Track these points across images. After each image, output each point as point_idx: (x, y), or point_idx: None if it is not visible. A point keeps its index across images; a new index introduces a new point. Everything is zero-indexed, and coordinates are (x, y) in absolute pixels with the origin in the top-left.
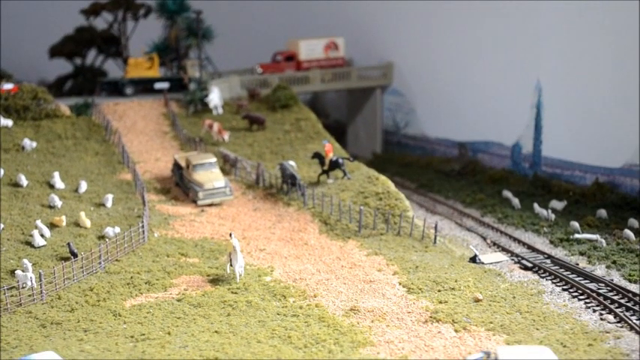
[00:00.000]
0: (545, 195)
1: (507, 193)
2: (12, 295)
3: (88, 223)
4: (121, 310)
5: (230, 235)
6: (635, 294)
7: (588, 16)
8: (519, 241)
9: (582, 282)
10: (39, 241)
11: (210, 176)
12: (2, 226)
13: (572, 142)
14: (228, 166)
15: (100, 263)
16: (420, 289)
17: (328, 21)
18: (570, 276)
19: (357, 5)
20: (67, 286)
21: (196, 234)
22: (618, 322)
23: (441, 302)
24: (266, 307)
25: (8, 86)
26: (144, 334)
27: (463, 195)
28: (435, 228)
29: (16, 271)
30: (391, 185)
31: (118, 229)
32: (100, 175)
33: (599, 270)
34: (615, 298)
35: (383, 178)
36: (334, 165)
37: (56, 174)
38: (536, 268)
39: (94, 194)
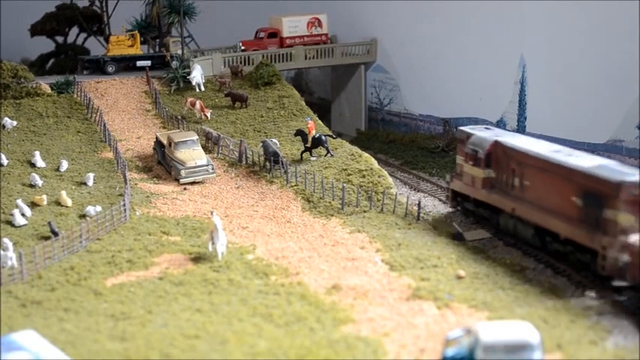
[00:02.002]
0: None
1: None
2: None
3: (69, 201)
4: (101, 289)
5: (211, 213)
6: None
7: None
8: None
9: None
10: (20, 220)
11: (192, 154)
12: None
13: (556, 118)
14: (210, 143)
15: (81, 242)
16: (403, 266)
17: None
18: None
19: None
20: (47, 265)
21: (178, 212)
22: None
23: (423, 279)
24: (248, 285)
25: None
26: (125, 313)
27: (448, 172)
28: (419, 205)
29: None
30: (374, 162)
31: (99, 208)
32: (82, 154)
33: None
34: None
35: (366, 155)
36: (317, 142)
37: (37, 153)
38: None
39: (75, 173)
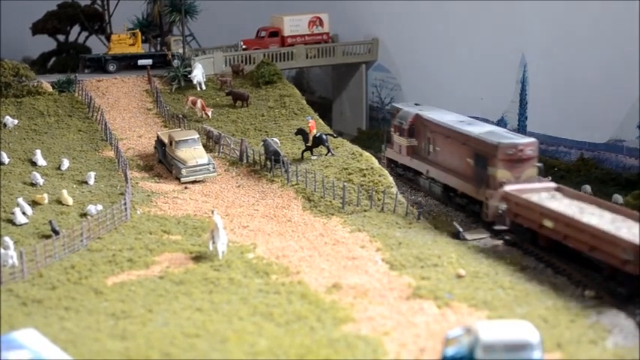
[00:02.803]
0: None
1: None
2: None
3: (70, 200)
4: (102, 287)
5: (212, 212)
6: None
7: None
8: None
9: None
10: (20, 218)
11: (193, 153)
12: None
13: (557, 117)
14: (211, 142)
15: (81, 241)
16: (403, 265)
17: None
18: None
19: None
20: (48, 263)
21: (179, 211)
22: None
23: (423, 279)
24: (248, 284)
25: None
26: (125, 312)
27: None
28: (419, 204)
29: None
30: (375, 161)
31: (100, 207)
32: (83, 153)
33: None
34: None
35: (367, 154)
36: (318, 141)
37: (38, 151)
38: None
39: (76, 171)
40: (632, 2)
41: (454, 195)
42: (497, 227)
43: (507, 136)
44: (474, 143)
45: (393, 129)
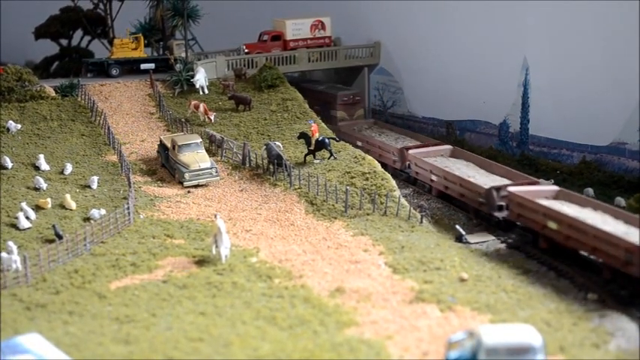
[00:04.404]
0: (532, 174)
1: None
2: None
3: (73, 205)
4: (106, 292)
5: (215, 216)
6: None
7: None
8: None
9: None
10: (24, 223)
11: (196, 157)
12: None
13: (560, 120)
14: (214, 146)
15: (85, 245)
16: (406, 269)
17: (315, 0)
18: None
19: None
20: (52, 268)
21: (182, 215)
22: None
23: (426, 282)
24: (251, 288)
25: None
26: (129, 316)
27: None
28: (422, 208)
29: (0, 254)
30: (377, 165)
31: (103, 211)
32: (86, 157)
33: None
34: None
35: (369, 157)
36: (320, 145)
37: (41, 156)
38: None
39: (79, 176)
40: (635, 5)
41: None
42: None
43: (343, 88)
44: (323, 96)
45: None
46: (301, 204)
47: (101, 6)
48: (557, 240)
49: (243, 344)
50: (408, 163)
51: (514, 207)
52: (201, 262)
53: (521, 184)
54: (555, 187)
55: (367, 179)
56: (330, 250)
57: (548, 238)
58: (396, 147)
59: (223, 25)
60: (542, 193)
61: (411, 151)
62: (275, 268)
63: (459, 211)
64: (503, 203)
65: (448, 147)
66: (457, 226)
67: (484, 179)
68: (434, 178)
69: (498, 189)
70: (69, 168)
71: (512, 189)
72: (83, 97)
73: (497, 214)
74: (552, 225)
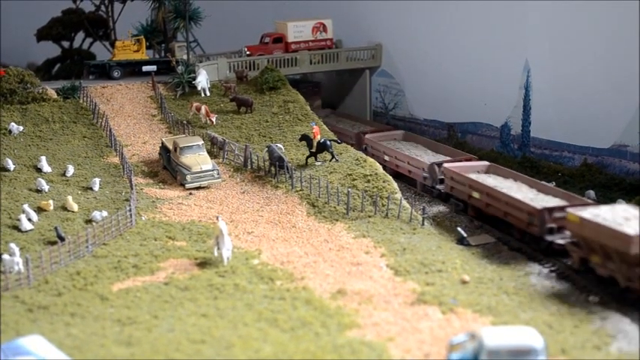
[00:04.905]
0: (534, 176)
1: None
2: None
3: (75, 206)
4: (108, 294)
5: (217, 218)
6: None
7: None
8: None
9: None
10: (26, 225)
11: (197, 159)
12: None
13: (561, 122)
14: (216, 148)
15: (87, 247)
16: (407, 271)
17: (316, 2)
18: None
19: None
20: (54, 270)
21: (184, 217)
22: None
23: (428, 284)
24: (253, 290)
25: None
26: (131, 318)
27: None
28: (423, 210)
29: (2, 256)
30: (379, 167)
31: (105, 213)
32: (88, 159)
33: None
34: None
35: (371, 160)
36: (322, 147)
37: (43, 158)
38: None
39: (81, 178)
40: (635, 9)
41: None
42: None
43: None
44: None
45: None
46: (303, 206)
47: (103, 8)
48: (480, 207)
49: (245, 346)
50: (364, 146)
51: (448, 180)
52: (203, 264)
53: (457, 161)
54: (486, 163)
55: (369, 181)
56: (331, 252)
57: (474, 207)
58: (353, 132)
59: (225, 27)
60: (474, 167)
61: (367, 136)
62: (277, 270)
63: (459, 213)
64: (443, 177)
65: (401, 132)
66: (459, 229)
67: (429, 157)
68: (387, 158)
69: (439, 164)
70: (71, 170)
71: (446, 165)
72: (85, 99)
73: (438, 186)
74: (475, 194)
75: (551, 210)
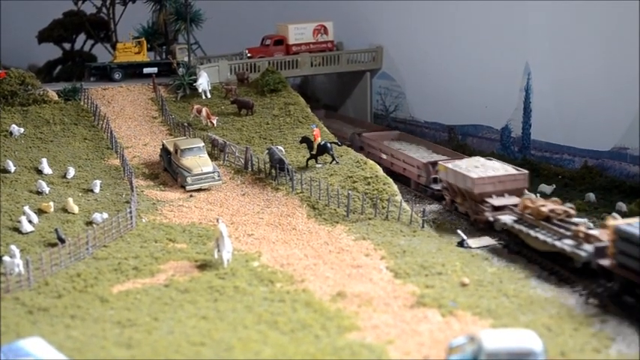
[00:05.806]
0: (534, 178)
1: None
2: None
3: (75, 208)
4: (108, 296)
5: (217, 220)
6: None
7: None
8: None
9: None
10: (27, 227)
11: (198, 161)
12: None
13: (561, 125)
14: (216, 150)
15: (87, 249)
16: (407, 273)
17: (317, 5)
18: None
19: None
20: (54, 272)
21: (184, 219)
22: None
23: (427, 287)
24: (253, 292)
25: None
26: (131, 320)
27: None
28: (423, 212)
29: (3, 258)
30: (379, 170)
31: (105, 215)
32: (89, 161)
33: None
34: None
35: (371, 162)
36: (322, 149)
37: (44, 160)
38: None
39: (82, 180)
40: (636, 12)
41: None
42: None
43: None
44: None
45: None
46: (303, 208)
47: (104, 10)
48: (387, 166)
49: (245, 348)
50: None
51: (365, 147)
52: (203, 266)
53: (373, 131)
54: (397, 132)
55: (369, 184)
56: (331, 254)
57: (384, 167)
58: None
59: (226, 29)
60: (387, 136)
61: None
62: (277, 273)
63: (460, 215)
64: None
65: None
66: (459, 231)
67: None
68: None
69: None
70: (71, 172)
71: (364, 134)
72: (86, 101)
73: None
74: (384, 156)
75: (434, 164)
